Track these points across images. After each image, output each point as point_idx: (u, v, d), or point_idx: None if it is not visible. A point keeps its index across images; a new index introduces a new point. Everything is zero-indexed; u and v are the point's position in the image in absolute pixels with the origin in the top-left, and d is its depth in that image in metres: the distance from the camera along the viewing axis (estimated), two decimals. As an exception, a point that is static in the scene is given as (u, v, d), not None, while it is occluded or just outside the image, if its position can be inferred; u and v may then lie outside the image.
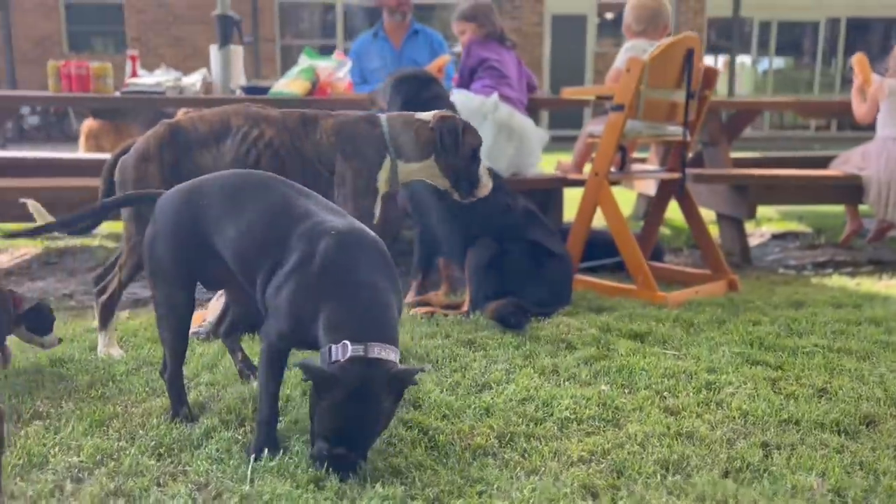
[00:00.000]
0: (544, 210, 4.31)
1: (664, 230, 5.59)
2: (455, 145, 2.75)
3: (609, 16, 19.36)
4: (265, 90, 4.62)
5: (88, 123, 6.39)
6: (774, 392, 2.40)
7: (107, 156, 5.60)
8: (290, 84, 4.55)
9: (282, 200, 2.02)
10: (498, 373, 2.55)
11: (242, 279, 2.04)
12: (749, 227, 5.90)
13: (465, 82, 4.42)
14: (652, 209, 4.25)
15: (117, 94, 4.47)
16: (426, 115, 2.77)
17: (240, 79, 4.82)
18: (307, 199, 2.06)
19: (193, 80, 4.61)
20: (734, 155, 5.34)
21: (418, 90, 3.39)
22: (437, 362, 2.67)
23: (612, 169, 3.82)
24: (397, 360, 1.77)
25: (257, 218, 1.98)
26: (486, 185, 2.85)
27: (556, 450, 2.00)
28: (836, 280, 4.18)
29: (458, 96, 4.29)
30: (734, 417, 2.21)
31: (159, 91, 4.38)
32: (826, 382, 2.47)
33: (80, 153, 6.32)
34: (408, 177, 2.81)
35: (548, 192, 4.26)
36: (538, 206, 4.24)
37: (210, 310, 3.12)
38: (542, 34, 18.94)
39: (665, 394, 2.40)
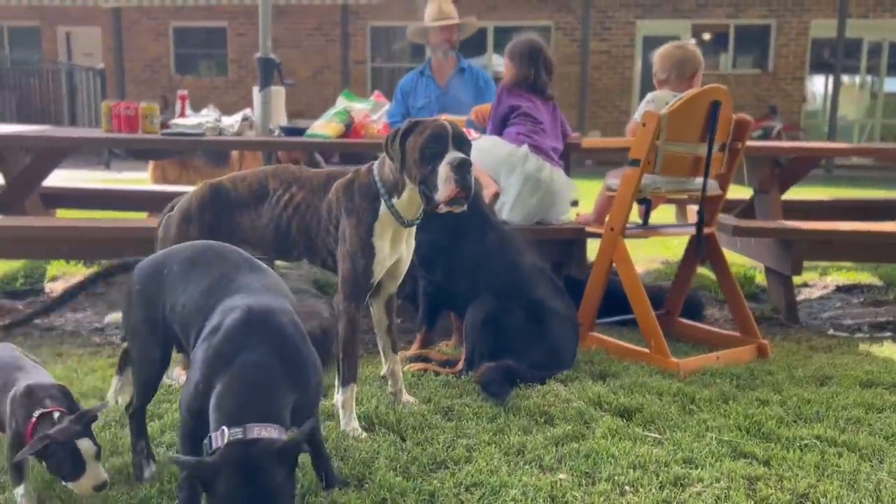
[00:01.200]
0: (567, 261, 4.19)
1: (713, 278, 5.29)
2: (394, 150, 2.58)
3: (706, 37, 18.75)
4: (301, 131, 4.72)
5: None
6: (747, 495, 2.20)
7: (170, 188, 5.86)
8: (324, 126, 4.63)
9: (224, 274, 2.05)
10: (460, 449, 2.46)
11: (186, 348, 2.08)
12: (813, 275, 5.52)
13: (498, 129, 4.34)
14: (682, 263, 4.03)
15: (160, 134, 4.66)
16: None
17: (280, 119, 4.94)
18: (255, 274, 2.08)
19: (232, 122, 4.76)
20: (811, 189, 4.99)
21: None
22: (403, 432, 2.61)
23: (631, 224, 3.65)
24: (281, 438, 1.74)
25: (198, 288, 2.02)
26: (443, 192, 2.48)
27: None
28: (887, 348, 3.82)
29: (488, 142, 4.24)
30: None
31: (199, 133, 4.54)
32: (811, 486, 2.24)
33: (148, 184, 6.66)
34: (410, 210, 2.68)
35: (570, 243, 4.13)
36: (560, 256, 4.14)
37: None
38: (634, 56, 18.56)
39: (626, 487, 2.24)
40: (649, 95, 3.75)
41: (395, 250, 2.76)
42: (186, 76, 19.03)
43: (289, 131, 4.78)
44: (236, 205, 2.89)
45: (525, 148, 4.09)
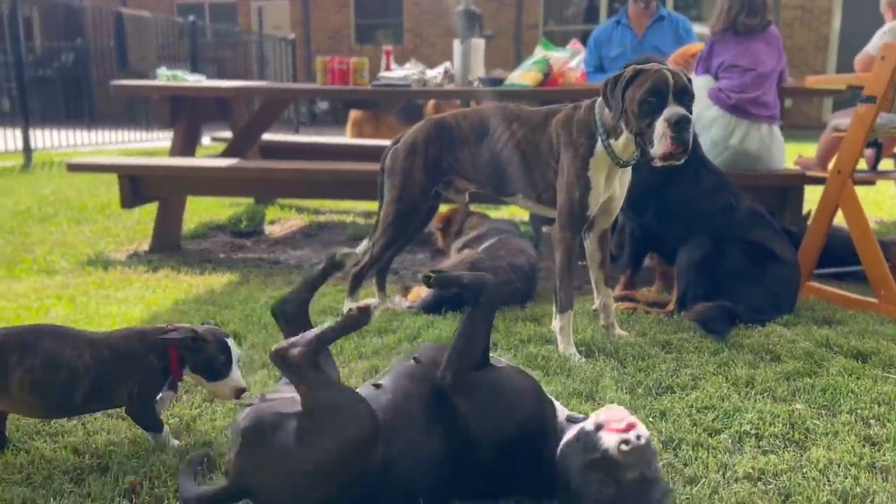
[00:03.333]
0: (781, 208, 4.00)
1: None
2: (613, 98, 2.56)
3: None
4: (500, 82, 4.81)
5: (354, 113, 7.15)
6: None
7: (366, 142, 6.22)
8: (522, 76, 4.69)
9: None
10: (685, 377, 2.47)
11: None
12: None
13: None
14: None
15: (370, 86, 4.93)
16: None
17: (478, 71, 5.06)
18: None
19: (436, 73, 4.94)
20: None
21: None
22: (623, 360, 2.65)
23: (861, 167, 3.42)
24: None
25: None
26: (658, 147, 2.46)
27: (723, 463, 1.92)
28: None
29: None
30: (949, 459, 1.93)
31: (405, 84, 4.77)
32: None
33: (347, 139, 7.09)
34: (625, 152, 2.68)
35: (784, 191, 3.93)
36: (773, 205, 3.96)
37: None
38: (832, 10, 17.02)
39: (871, 421, 2.16)
40: (886, 26, 3.48)
41: (609, 187, 2.79)
42: (366, 45, 19.83)
43: (488, 82, 4.89)
44: (459, 140, 3.03)
45: (714, 111, 3.93)
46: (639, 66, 2.59)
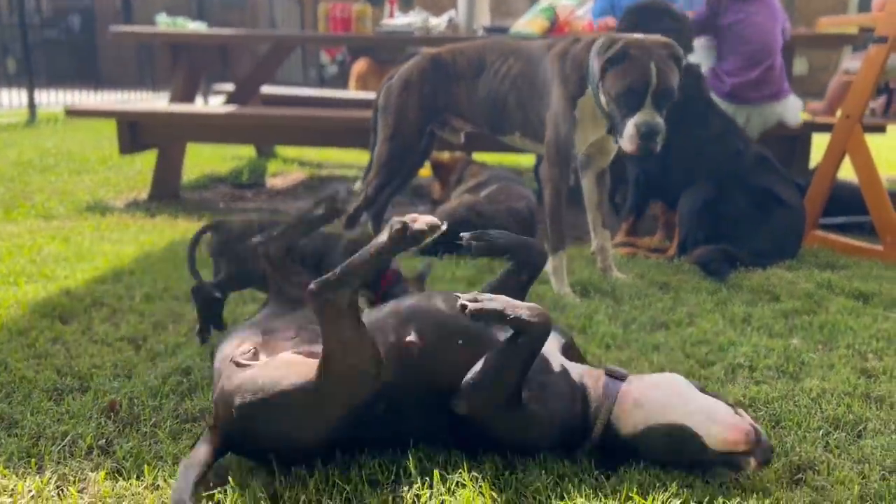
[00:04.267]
0: (788, 158, 3.91)
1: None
2: (578, 78, 2.53)
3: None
4: (506, 30, 4.71)
5: (357, 66, 7.06)
6: None
7: (370, 94, 6.13)
8: (529, 23, 4.58)
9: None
10: (680, 314, 2.43)
11: None
12: None
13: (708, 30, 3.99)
14: (924, 163, 3.63)
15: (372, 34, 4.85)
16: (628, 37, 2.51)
17: (483, 19, 4.96)
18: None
19: (440, 21, 4.84)
20: None
21: (648, 21, 3.21)
22: (619, 298, 2.61)
23: (871, 112, 3.32)
24: None
25: None
26: (628, 144, 2.43)
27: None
28: None
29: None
30: (946, 390, 1.88)
31: (409, 31, 4.68)
32: None
33: (350, 92, 6.99)
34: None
35: (793, 139, 3.84)
36: (781, 153, 3.87)
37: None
38: (851, -27, 16.62)
39: (868, 355, 2.11)
40: (903, -35, 3.34)
41: (600, 127, 2.69)
42: None
43: (493, 30, 4.79)
44: (454, 76, 2.95)
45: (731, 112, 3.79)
46: (629, 42, 2.45)
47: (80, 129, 8.24)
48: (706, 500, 1.38)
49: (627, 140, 2.44)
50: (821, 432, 1.67)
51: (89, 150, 6.47)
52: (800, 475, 1.52)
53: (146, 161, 5.39)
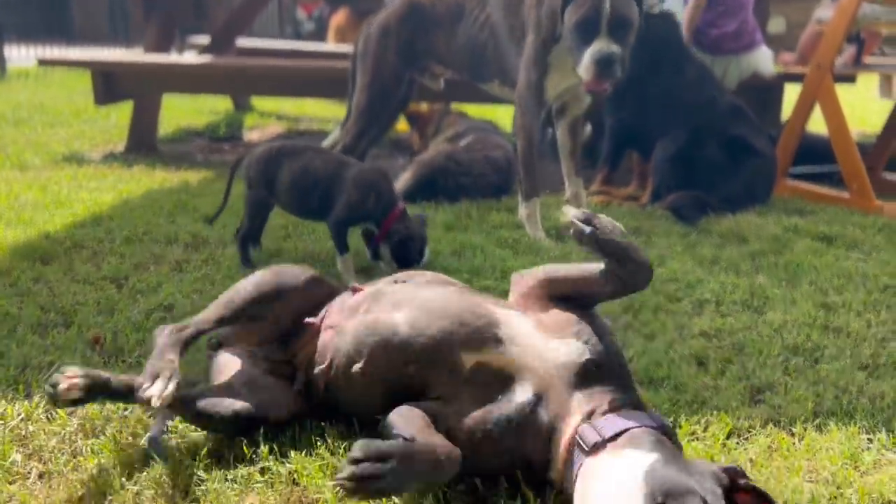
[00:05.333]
0: (760, 110, 3.96)
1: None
2: (551, 25, 2.54)
3: None
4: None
5: (336, 19, 6.97)
6: (969, 305, 2.09)
7: (348, 47, 6.07)
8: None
9: None
10: (651, 256, 2.49)
11: None
12: None
13: None
14: (894, 111, 3.71)
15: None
16: None
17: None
18: None
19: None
20: None
21: None
22: (593, 240, 2.67)
23: (840, 62, 3.39)
24: None
25: None
26: (586, 75, 2.46)
27: (680, 324, 1.95)
28: None
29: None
30: (901, 321, 1.98)
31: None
32: None
33: (328, 45, 6.92)
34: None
35: (765, 90, 3.89)
36: (754, 104, 3.92)
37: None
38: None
39: (829, 290, 2.20)
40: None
41: (572, 75, 2.71)
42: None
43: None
44: (433, 22, 2.96)
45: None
46: None
47: (52, 83, 8.09)
48: (670, 414, 1.46)
49: (584, 70, 2.45)
50: (780, 358, 1.76)
51: (62, 103, 6.36)
52: (760, 396, 1.61)
53: (121, 114, 5.32)
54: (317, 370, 1.40)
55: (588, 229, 1.29)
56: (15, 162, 4.01)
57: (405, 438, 1.13)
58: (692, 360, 1.75)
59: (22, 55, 9.30)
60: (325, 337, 1.43)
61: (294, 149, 2.36)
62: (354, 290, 1.51)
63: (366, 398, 1.35)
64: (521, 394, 1.21)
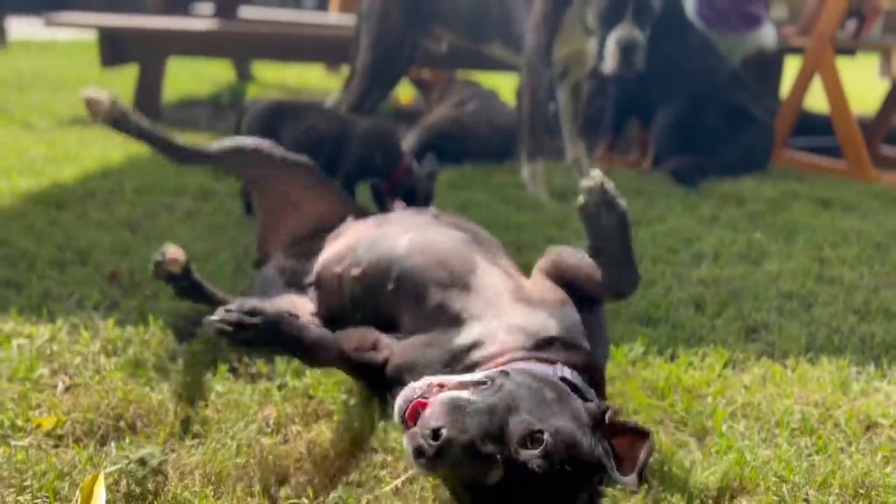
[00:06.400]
0: (760, 82, 4.00)
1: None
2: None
3: None
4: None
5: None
6: (959, 260, 2.16)
7: (353, 18, 6.06)
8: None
9: None
10: (652, 215, 2.56)
11: None
12: None
13: None
14: (892, 88, 3.76)
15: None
16: None
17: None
18: None
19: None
20: None
21: None
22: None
23: (842, 34, 3.43)
24: None
25: None
26: (610, 62, 2.52)
27: (679, 274, 2.01)
28: None
29: None
30: (893, 272, 2.04)
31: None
32: None
33: (332, 15, 6.94)
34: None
35: (765, 62, 3.93)
36: (754, 76, 3.96)
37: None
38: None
39: (824, 246, 2.26)
40: None
41: (580, 37, 2.75)
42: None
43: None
44: None
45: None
46: None
47: (55, 52, 8.09)
48: (667, 348, 1.52)
49: (610, 58, 2.52)
50: (775, 303, 1.82)
51: (65, 70, 6.38)
52: (755, 335, 1.67)
53: (124, 81, 5.33)
54: (325, 271, 1.49)
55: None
56: (21, 123, 4.04)
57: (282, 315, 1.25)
58: (690, 304, 1.81)
59: (24, 29, 9.29)
60: (338, 242, 1.53)
61: (296, 108, 2.38)
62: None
63: (349, 312, 1.40)
64: (461, 338, 1.21)
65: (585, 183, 1.21)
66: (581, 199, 1.21)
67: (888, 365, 1.52)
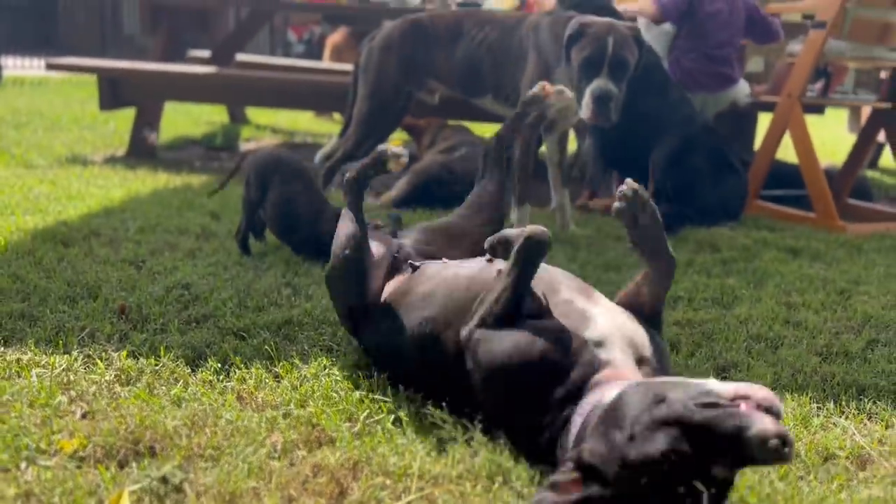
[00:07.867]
0: (735, 136, 4.21)
1: (887, 178, 5.14)
2: (558, 49, 2.76)
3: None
4: (479, 5, 4.94)
5: (332, 39, 7.21)
6: (916, 307, 2.31)
7: (345, 65, 6.26)
8: (500, 1, 4.84)
9: None
10: (632, 260, 2.68)
11: None
12: None
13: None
14: (858, 142, 3.98)
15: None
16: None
17: (458, -4, 5.17)
18: None
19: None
20: None
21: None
22: (576, 246, 2.87)
23: (810, 93, 3.64)
24: None
25: None
26: (585, 111, 2.70)
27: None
28: None
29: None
30: (854, 317, 2.18)
31: (384, 3, 4.87)
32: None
33: (324, 63, 7.14)
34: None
35: (739, 118, 4.14)
36: (728, 131, 4.17)
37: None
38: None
39: (792, 292, 2.40)
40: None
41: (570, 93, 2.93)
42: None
43: (467, 5, 5.01)
44: (433, 39, 3.17)
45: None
46: (584, 22, 2.72)
47: (49, 91, 8.23)
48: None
49: (585, 108, 2.71)
50: (744, 344, 1.95)
51: (61, 109, 6.52)
52: (724, 374, 1.80)
53: (120, 122, 5.49)
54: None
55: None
56: (21, 161, 4.15)
57: None
58: (666, 344, 1.93)
59: (16, 64, 9.45)
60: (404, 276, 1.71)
61: (289, 167, 2.55)
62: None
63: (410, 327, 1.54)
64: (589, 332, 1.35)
65: (622, 190, 1.43)
66: (617, 204, 1.45)
67: (846, 402, 1.65)
